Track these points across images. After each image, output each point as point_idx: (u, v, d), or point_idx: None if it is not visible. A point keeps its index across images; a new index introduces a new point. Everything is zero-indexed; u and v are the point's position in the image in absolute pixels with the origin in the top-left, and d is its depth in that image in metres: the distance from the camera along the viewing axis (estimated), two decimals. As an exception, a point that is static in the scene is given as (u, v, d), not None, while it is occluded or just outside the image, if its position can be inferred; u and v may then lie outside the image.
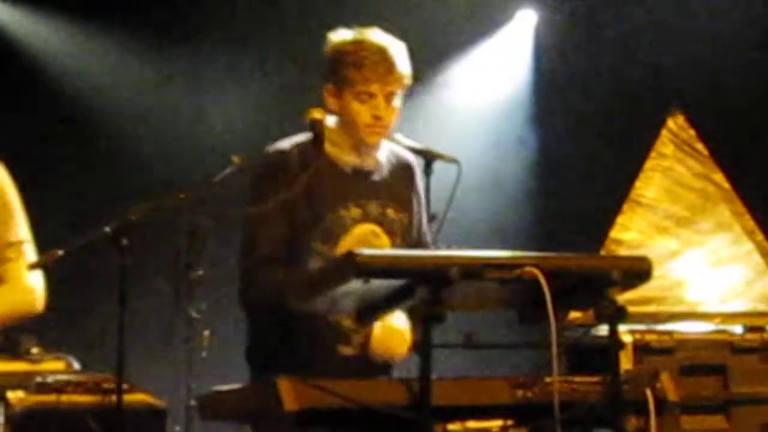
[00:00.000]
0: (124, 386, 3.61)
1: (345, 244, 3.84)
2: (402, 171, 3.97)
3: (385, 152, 3.94)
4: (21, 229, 4.12)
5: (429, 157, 4.01)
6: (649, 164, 5.40)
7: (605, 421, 3.33)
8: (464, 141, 6.04)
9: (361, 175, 3.86)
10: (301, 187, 3.69)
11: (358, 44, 3.77)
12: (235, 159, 3.68)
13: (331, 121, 3.78)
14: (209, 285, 4.27)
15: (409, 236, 3.97)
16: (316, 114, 3.69)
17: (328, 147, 3.78)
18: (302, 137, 3.81)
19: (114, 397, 3.56)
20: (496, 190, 7.13)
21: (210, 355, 4.82)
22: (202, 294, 4.51)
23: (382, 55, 3.75)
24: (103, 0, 6.85)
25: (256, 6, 6.87)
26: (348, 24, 3.92)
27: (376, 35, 3.81)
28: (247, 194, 3.84)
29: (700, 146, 5.42)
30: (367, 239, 3.86)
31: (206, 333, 4.54)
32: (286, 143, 3.85)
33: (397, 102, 3.79)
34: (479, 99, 7.42)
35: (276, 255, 3.84)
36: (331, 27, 3.96)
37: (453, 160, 4.00)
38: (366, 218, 3.88)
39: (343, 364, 3.83)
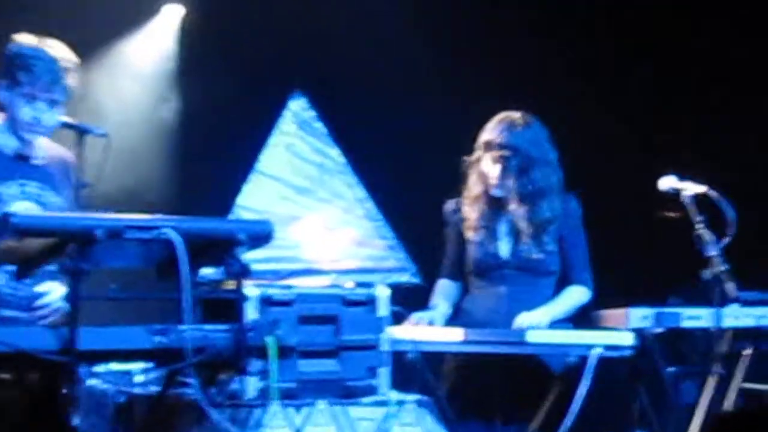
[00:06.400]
0: None
1: None
2: (61, 162, 4.26)
3: (45, 143, 4.18)
4: None
5: (81, 131, 4.20)
6: (273, 140, 5.75)
7: (232, 364, 3.68)
8: (113, 119, 6.24)
9: (23, 158, 4.11)
10: None
11: (35, 50, 4.07)
12: None
13: None
14: None
15: None
16: None
17: None
18: None
19: None
20: (139, 161, 7.38)
21: None
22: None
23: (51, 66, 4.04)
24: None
25: None
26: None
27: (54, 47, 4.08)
28: None
29: (318, 125, 5.83)
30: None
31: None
32: None
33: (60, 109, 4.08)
34: (127, 83, 7.71)
35: None
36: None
37: (102, 134, 4.20)
38: (25, 197, 4.14)
39: None
